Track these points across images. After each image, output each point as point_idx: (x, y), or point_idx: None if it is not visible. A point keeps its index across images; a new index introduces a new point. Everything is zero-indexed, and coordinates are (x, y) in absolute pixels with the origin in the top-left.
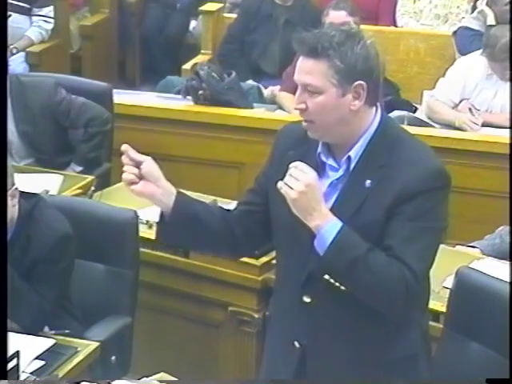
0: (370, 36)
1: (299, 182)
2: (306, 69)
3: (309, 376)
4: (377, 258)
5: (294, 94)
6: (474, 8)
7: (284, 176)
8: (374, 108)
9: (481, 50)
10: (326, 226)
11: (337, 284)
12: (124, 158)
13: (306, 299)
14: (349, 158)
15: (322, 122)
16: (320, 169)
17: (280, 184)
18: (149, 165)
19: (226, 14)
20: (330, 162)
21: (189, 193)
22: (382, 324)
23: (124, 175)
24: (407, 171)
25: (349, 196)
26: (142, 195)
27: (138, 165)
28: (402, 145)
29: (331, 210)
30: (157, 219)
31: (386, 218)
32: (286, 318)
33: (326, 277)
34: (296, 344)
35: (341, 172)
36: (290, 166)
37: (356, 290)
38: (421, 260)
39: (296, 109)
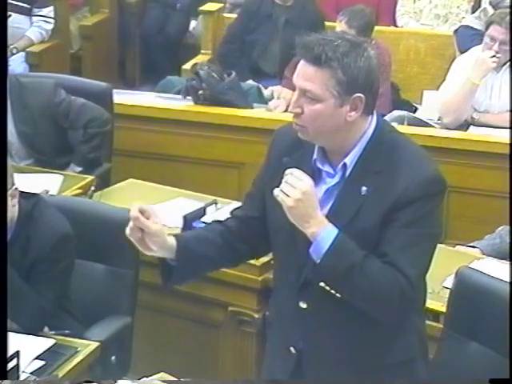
0: (374, 45)
1: (295, 189)
2: (306, 75)
3: (305, 379)
4: (372, 265)
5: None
6: (476, 7)
7: (280, 182)
8: (370, 114)
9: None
10: (322, 233)
11: (332, 291)
12: (135, 221)
13: (303, 305)
14: (344, 164)
15: (316, 128)
16: (316, 175)
17: (276, 191)
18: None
19: (225, 14)
20: (326, 168)
21: (189, 193)
22: (379, 329)
23: (129, 232)
24: (404, 178)
25: (345, 203)
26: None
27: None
28: (398, 150)
29: (327, 216)
30: None
31: (381, 224)
32: (283, 322)
33: (322, 284)
34: (292, 350)
35: (336, 179)
36: (286, 172)
37: (351, 296)
38: (416, 266)
39: (291, 112)
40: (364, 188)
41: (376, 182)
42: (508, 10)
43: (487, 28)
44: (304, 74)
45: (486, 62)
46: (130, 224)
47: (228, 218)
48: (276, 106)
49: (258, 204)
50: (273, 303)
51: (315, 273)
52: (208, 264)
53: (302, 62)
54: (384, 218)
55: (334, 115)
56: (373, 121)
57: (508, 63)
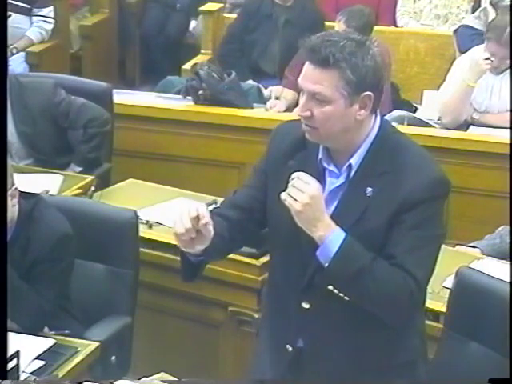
0: (375, 43)
1: (303, 193)
2: (314, 77)
3: (303, 379)
4: (381, 268)
5: (297, 89)
6: (476, 7)
7: (284, 185)
8: (374, 114)
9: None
10: (330, 236)
11: (340, 294)
12: (200, 225)
13: (305, 305)
14: (350, 165)
15: (327, 130)
16: (321, 175)
17: (284, 196)
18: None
19: (225, 14)
20: (331, 167)
21: (189, 193)
22: (383, 330)
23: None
24: (410, 179)
25: (349, 204)
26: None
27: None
28: (403, 151)
29: (331, 217)
30: (158, 221)
31: (387, 225)
32: (280, 320)
33: (330, 287)
34: (288, 348)
35: (341, 179)
36: (293, 176)
37: (360, 299)
38: (423, 268)
39: (301, 116)
40: (369, 189)
41: (381, 183)
42: (503, 24)
43: (486, 40)
44: (312, 76)
45: (479, 64)
46: (187, 224)
47: (230, 210)
48: (272, 106)
49: (260, 196)
50: (269, 301)
51: (323, 276)
52: (218, 256)
53: (307, 64)
54: (390, 220)
55: (344, 115)
56: (376, 121)
57: (508, 69)
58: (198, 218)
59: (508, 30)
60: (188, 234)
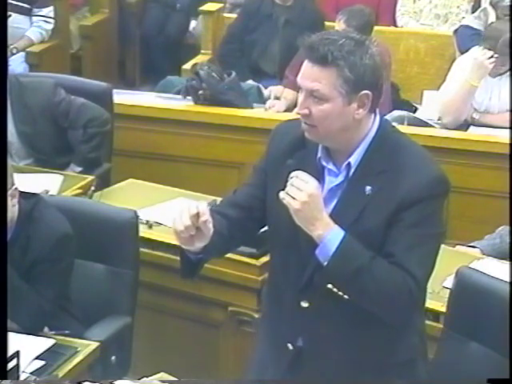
0: (375, 43)
1: (302, 192)
2: (313, 75)
3: (303, 378)
4: (380, 266)
5: (297, 89)
6: (476, 7)
7: (283, 184)
8: (373, 113)
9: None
10: (329, 235)
11: (340, 293)
12: (200, 222)
13: (304, 304)
14: (349, 164)
15: (325, 128)
16: (320, 173)
17: (282, 194)
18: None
19: (225, 14)
20: (331, 166)
21: (189, 193)
22: (382, 329)
23: (182, 228)
24: (409, 178)
25: (348, 203)
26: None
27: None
28: (402, 150)
29: (330, 216)
30: (158, 221)
31: (386, 224)
32: (280, 320)
33: (329, 286)
34: (289, 346)
35: (340, 178)
36: (291, 175)
37: (359, 298)
38: (423, 267)
39: (299, 113)
40: (368, 188)
41: (380, 182)
42: (497, 34)
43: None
44: (310, 74)
45: (483, 64)
46: (187, 221)
47: (230, 208)
48: (271, 106)
49: (260, 194)
50: (269, 300)
51: (322, 275)
52: (216, 254)
53: (306, 62)
54: (389, 219)
55: (342, 114)
56: (375, 120)
57: (508, 72)
58: (197, 215)
59: (502, 39)
60: (187, 231)
